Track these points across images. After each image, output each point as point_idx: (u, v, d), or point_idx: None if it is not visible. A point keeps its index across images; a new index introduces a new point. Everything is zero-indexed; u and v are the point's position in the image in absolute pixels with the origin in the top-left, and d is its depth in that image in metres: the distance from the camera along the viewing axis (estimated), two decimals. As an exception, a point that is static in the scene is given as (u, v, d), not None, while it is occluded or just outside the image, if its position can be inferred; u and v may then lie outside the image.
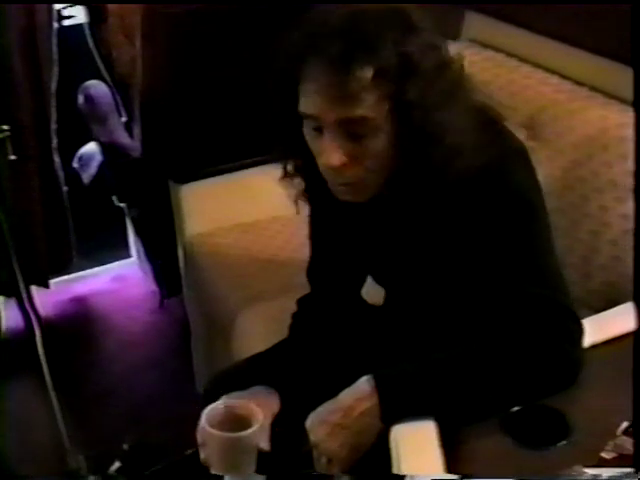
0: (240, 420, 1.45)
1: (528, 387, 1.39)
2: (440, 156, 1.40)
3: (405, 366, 1.44)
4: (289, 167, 1.59)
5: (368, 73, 1.34)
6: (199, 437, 1.50)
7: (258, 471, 1.48)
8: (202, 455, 1.50)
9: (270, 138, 1.55)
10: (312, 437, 1.44)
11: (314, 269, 1.82)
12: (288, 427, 1.66)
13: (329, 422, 1.43)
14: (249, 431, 1.43)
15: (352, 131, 1.39)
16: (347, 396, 1.43)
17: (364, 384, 1.42)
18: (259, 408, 1.49)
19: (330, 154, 1.40)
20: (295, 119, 1.45)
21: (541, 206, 1.51)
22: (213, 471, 1.47)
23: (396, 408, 1.39)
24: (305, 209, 1.69)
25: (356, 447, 1.42)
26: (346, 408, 1.41)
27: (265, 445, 1.52)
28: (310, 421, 1.46)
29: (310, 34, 1.39)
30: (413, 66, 1.36)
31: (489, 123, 1.51)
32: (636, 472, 1.16)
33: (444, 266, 1.56)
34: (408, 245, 1.60)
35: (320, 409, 1.46)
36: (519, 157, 1.52)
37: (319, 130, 1.42)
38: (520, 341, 1.39)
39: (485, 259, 1.46)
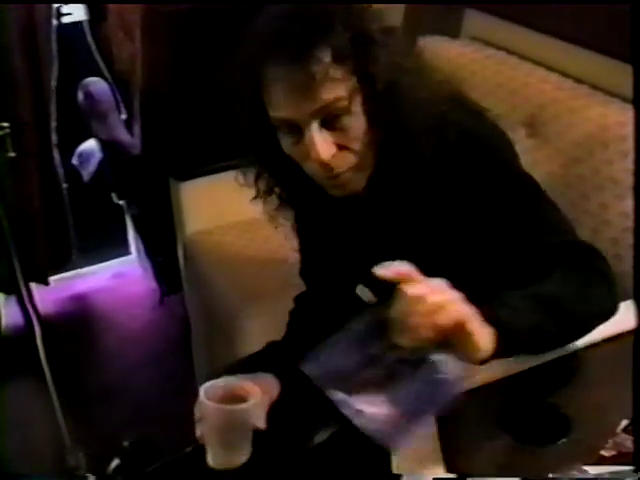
0: (238, 399, 1.46)
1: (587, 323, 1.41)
2: (412, 121, 1.42)
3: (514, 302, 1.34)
4: (262, 186, 1.60)
5: (326, 55, 1.35)
6: (196, 412, 1.50)
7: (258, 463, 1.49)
8: (198, 432, 1.50)
9: (246, 153, 1.58)
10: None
11: (305, 271, 1.83)
12: (290, 425, 1.66)
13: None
14: (245, 404, 1.44)
15: (329, 119, 1.39)
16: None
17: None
18: (258, 387, 1.50)
19: (319, 149, 1.39)
20: (266, 134, 1.47)
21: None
22: (208, 449, 1.47)
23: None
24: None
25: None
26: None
27: (261, 424, 1.52)
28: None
29: (262, 37, 1.40)
30: (368, 39, 1.38)
31: (457, 100, 1.52)
32: (636, 471, 1.16)
33: (447, 256, 1.55)
34: (403, 242, 1.59)
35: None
36: (494, 127, 1.53)
37: (297, 133, 1.42)
38: (564, 283, 1.39)
39: (495, 229, 1.46)
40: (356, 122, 1.41)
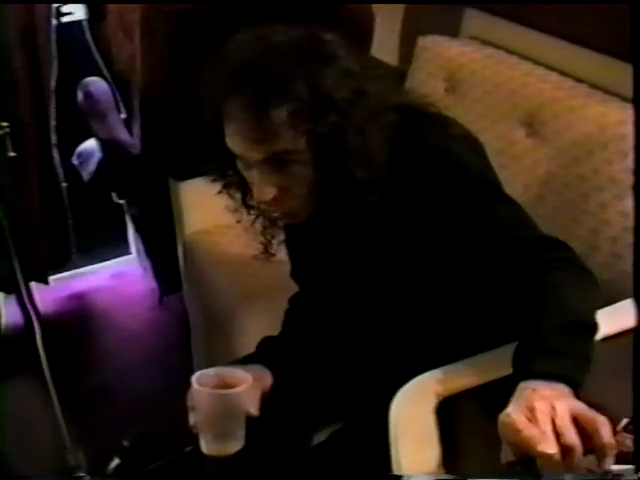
0: (229, 387, 1.48)
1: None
2: (357, 183, 1.44)
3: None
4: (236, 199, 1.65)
5: (283, 113, 1.37)
6: (189, 400, 1.51)
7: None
8: (191, 420, 1.50)
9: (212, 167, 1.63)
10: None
11: (295, 274, 1.84)
12: (289, 425, 1.67)
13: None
14: (235, 389, 1.45)
15: (277, 163, 1.43)
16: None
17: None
18: (249, 375, 1.51)
19: (261, 190, 1.45)
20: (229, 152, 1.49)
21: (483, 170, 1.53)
22: (201, 437, 1.47)
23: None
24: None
25: None
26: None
27: (254, 410, 1.52)
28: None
29: (225, 75, 1.43)
30: (327, 100, 1.39)
31: (421, 120, 1.52)
32: (636, 471, 1.16)
33: (414, 262, 1.56)
34: (365, 256, 1.61)
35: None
36: (460, 140, 1.53)
37: (248, 165, 1.47)
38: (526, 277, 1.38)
39: (456, 231, 1.47)
40: (303, 171, 1.44)
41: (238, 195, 1.63)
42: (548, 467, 1.10)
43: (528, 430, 1.12)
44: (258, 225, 1.68)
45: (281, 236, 1.72)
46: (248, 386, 1.47)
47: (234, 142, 1.44)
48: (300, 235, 1.73)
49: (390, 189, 1.48)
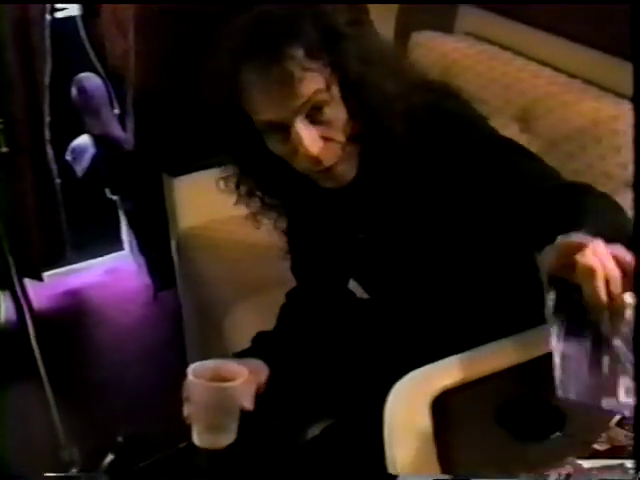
0: (225, 379, 1.48)
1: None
2: (384, 108, 1.45)
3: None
4: (243, 190, 1.63)
5: (299, 52, 1.39)
6: (184, 391, 1.51)
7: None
8: (186, 411, 1.50)
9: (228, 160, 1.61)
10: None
11: (296, 267, 1.84)
12: (283, 420, 1.67)
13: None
14: (232, 383, 1.46)
15: (312, 113, 1.42)
16: None
17: None
18: (245, 369, 1.51)
19: (307, 145, 1.43)
20: (247, 139, 1.50)
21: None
22: (194, 428, 1.47)
23: None
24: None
25: None
26: None
27: (248, 404, 1.52)
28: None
29: (233, 44, 1.44)
30: (337, 34, 1.43)
31: (431, 87, 1.56)
32: (637, 470, 1.16)
33: (439, 243, 1.55)
34: (391, 232, 1.60)
35: None
36: (462, 101, 1.57)
37: (283, 131, 1.45)
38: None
39: (489, 193, 1.46)
40: (337, 113, 1.44)
41: (250, 184, 1.62)
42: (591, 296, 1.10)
43: (589, 256, 1.11)
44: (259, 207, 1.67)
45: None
46: (244, 380, 1.48)
47: (264, 107, 1.43)
48: (306, 224, 1.73)
49: (413, 159, 1.49)
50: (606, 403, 1.15)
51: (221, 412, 1.46)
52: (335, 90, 1.43)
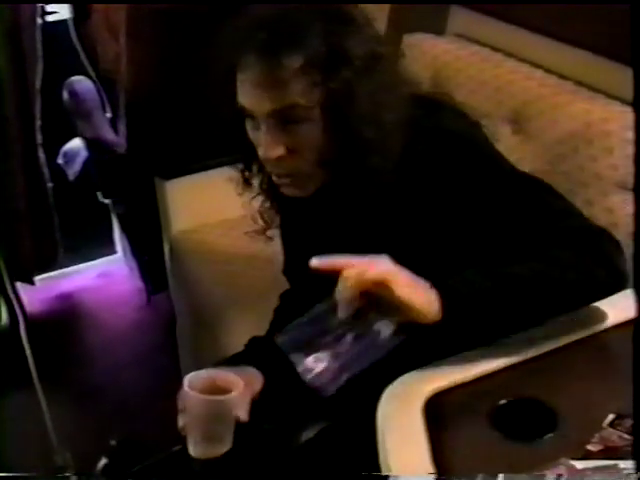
0: (221, 390, 1.47)
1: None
2: (369, 150, 1.42)
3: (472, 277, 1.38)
4: (247, 174, 1.64)
5: (296, 62, 1.36)
6: (179, 402, 1.51)
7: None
8: (181, 422, 1.50)
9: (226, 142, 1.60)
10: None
11: (288, 268, 1.83)
12: (277, 423, 1.66)
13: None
14: (227, 395, 1.45)
15: (286, 121, 1.40)
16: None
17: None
18: (240, 379, 1.50)
19: (267, 146, 1.42)
20: (239, 118, 1.48)
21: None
22: (190, 439, 1.47)
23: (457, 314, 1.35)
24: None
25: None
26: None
27: (244, 415, 1.52)
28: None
29: (243, 28, 1.42)
30: (343, 56, 1.38)
31: (431, 107, 1.52)
32: (637, 470, 1.16)
33: (426, 255, 1.55)
34: (374, 240, 1.59)
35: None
36: (478, 127, 1.54)
37: (257, 124, 1.44)
38: (567, 264, 1.39)
39: (481, 218, 1.45)
40: (312, 133, 1.42)
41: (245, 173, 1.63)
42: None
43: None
44: (257, 204, 1.67)
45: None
46: (240, 392, 1.47)
47: (244, 92, 1.42)
48: (297, 225, 1.72)
49: (404, 175, 1.46)
50: (294, 358, 1.36)
51: (217, 424, 1.46)
52: (317, 113, 1.40)
